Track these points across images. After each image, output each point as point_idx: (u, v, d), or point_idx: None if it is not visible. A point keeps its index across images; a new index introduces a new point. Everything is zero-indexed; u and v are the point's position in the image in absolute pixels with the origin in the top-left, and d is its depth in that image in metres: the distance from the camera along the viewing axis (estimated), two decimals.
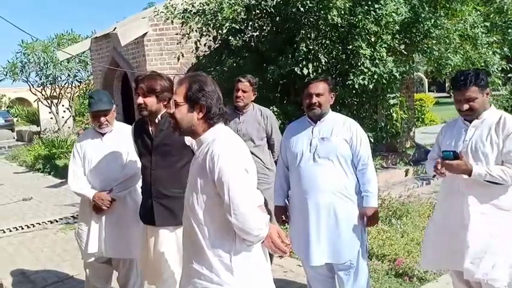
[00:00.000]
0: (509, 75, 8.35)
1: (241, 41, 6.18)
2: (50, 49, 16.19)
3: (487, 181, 2.72)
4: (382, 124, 6.53)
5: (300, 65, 5.71)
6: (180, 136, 2.48)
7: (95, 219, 3.44)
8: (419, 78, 28.81)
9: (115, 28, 9.37)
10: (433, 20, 6.17)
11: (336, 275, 3.25)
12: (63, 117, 17.91)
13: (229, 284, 2.09)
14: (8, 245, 5.79)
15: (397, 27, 5.99)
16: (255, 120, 4.22)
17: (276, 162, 3.98)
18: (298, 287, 4.06)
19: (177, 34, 7.47)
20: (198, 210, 2.11)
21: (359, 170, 3.08)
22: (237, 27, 6.22)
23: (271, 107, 5.49)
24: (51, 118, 18.22)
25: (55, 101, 17.65)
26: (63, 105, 17.88)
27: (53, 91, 17.78)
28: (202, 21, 6.37)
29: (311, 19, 5.83)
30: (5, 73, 17.06)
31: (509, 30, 7.57)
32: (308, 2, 5.58)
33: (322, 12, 5.62)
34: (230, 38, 6.25)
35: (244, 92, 4.13)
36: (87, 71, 16.91)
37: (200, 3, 6.47)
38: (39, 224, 6.62)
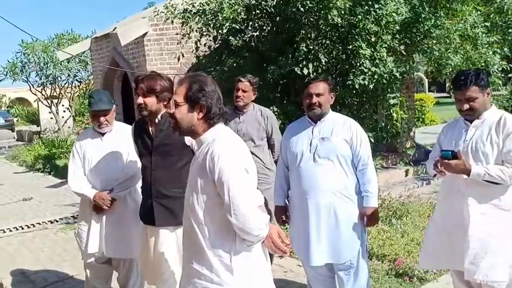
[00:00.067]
0: (509, 75, 8.34)
1: (241, 41, 6.18)
2: (50, 49, 16.19)
3: (486, 181, 2.72)
4: (382, 124, 6.52)
5: (300, 65, 5.71)
6: (180, 136, 2.48)
7: (95, 219, 3.44)
8: (419, 78, 28.81)
9: (115, 28, 9.37)
10: (433, 20, 6.17)
11: (336, 275, 3.25)
12: (63, 117, 17.91)
13: (229, 284, 2.09)
14: (8, 245, 5.79)
15: (397, 27, 5.99)
16: (255, 120, 4.22)
17: (276, 162, 3.98)
18: (298, 287, 4.06)
19: (177, 34, 7.47)
20: (198, 210, 2.11)
21: (359, 170, 3.08)
22: (237, 27, 6.21)
23: (271, 107, 5.49)
24: (51, 118, 18.22)
25: (55, 101, 17.65)
26: (63, 105, 17.88)
27: (53, 91, 17.78)
28: (202, 21, 6.37)
29: (311, 19, 5.83)
30: (5, 73, 17.07)
31: (510, 30, 7.57)
32: (308, 2, 5.58)
33: (322, 12, 5.62)
34: (230, 38, 6.25)
35: (244, 91, 4.13)
36: (87, 71, 16.91)
37: (200, 3, 6.47)
38: (39, 224, 6.62)
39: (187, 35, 6.84)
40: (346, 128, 3.10)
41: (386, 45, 5.87)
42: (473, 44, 6.80)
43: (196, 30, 6.67)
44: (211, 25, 6.31)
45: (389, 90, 6.19)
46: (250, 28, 6.29)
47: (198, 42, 6.75)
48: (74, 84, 17.75)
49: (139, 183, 3.22)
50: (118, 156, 3.45)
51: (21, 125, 27.42)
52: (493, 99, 2.98)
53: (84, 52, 13.07)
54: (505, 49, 7.42)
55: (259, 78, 4.62)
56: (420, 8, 6.17)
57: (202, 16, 6.33)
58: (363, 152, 3.07)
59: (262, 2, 6.05)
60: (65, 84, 17.69)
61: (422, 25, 6.17)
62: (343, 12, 5.57)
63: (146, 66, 8.81)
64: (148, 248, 2.99)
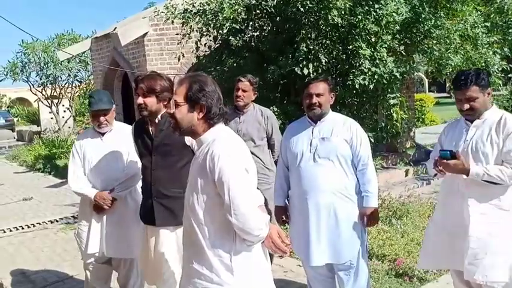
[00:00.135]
0: (509, 75, 8.34)
1: (241, 41, 6.19)
2: (50, 49, 16.20)
3: (486, 181, 2.72)
4: (383, 124, 6.53)
5: (300, 65, 5.71)
6: (180, 136, 2.48)
7: (95, 219, 3.44)
8: (419, 78, 28.81)
9: (115, 28, 9.37)
10: (433, 20, 6.17)
11: (336, 275, 3.25)
12: (63, 117, 17.91)
13: (229, 284, 2.09)
14: (8, 245, 5.79)
15: (398, 27, 5.99)
16: (256, 120, 4.22)
17: (276, 162, 3.98)
18: (299, 287, 4.06)
19: (177, 34, 7.47)
20: (198, 210, 2.11)
21: (359, 170, 3.08)
22: (238, 27, 6.22)
23: (271, 107, 5.49)
24: (52, 118, 18.22)
25: (55, 101, 17.66)
26: (63, 105, 17.88)
27: (53, 91, 17.79)
28: (202, 21, 6.37)
29: (311, 19, 5.83)
30: (5, 73, 17.07)
31: (510, 30, 7.58)
32: (308, 2, 5.58)
33: (322, 12, 5.62)
34: (230, 38, 6.25)
35: (244, 91, 4.13)
36: (88, 71, 16.92)
37: (200, 3, 6.47)
38: (40, 223, 6.63)
39: (187, 35, 6.84)
40: (346, 128, 3.10)
41: (386, 46, 5.87)
42: (473, 44, 6.80)
43: (196, 30, 6.67)
44: (212, 25, 6.31)
45: (389, 90, 6.19)
46: (250, 28, 6.30)
47: (198, 42, 6.75)
48: (74, 84, 17.76)
49: (140, 183, 3.22)
50: (118, 156, 3.45)
51: (22, 125, 27.43)
52: (493, 99, 2.97)
53: (84, 52, 13.07)
54: (505, 49, 7.43)
55: (259, 78, 4.63)
56: (420, 8, 6.17)
57: (203, 16, 6.34)
58: (363, 152, 3.07)
59: (263, 2, 6.05)
60: (65, 84, 17.71)
61: (422, 25, 6.18)
62: (343, 12, 5.57)
63: (146, 66, 8.81)
64: (148, 248, 2.99)
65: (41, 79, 17.15)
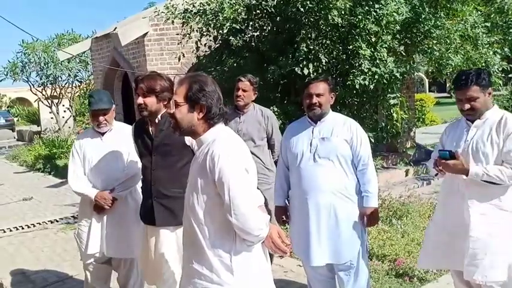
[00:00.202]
0: (509, 75, 8.35)
1: (241, 41, 6.19)
2: (50, 49, 16.21)
3: (485, 181, 2.72)
4: (383, 124, 6.53)
5: (301, 65, 5.71)
6: (180, 136, 2.48)
7: (96, 219, 3.44)
8: (419, 78, 28.81)
9: (115, 28, 9.37)
10: (433, 20, 6.17)
11: (336, 275, 3.25)
12: (63, 117, 17.92)
13: (229, 284, 2.09)
14: (8, 245, 5.79)
15: (398, 27, 5.99)
16: (256, 120, 4.22)
17: (276, 162, 3.98)
18: (299, 287, 4.06)
19: (177, 34, 7.47)
20: (198, 210, 2.11)
21: (359, 170, 3.08)
22: (238, 27, 6.22)
23: (271, 107, 5.49)
24: (52, 118, 18.23)
25: (55, 100, 17.66)
26: (63, 105, 17.88)
27: (53, 91, 17.80)
28: (202, 21, 6.37)
29: (311, 19, 5.83)
30: (5, 73, 17.08)
31: (510, 30, 7.57)
32: (308, 2, 5.58)
33: (322, 12, 5.62)
34: (231, 38, 6.26)
35: (244, 91, 4.12)
36: (88, 71, 16.92)
37: (201, 3, 6.47)
38: (40, 223, 6.62)
39: (187, 35, 6.84)
40: (346, 128, 3.09)
41: (386, 46, 5.87)
42: (473, 44, 6.80)
43: (196, 30, 6.67)
44: (212, 25, 6.31)
45: (389, 90, 6.19)
46: (250, 28, 6.30)
47: (199, 42, 6.75)
48: (74, 84, 17.77)
49: (140, 183, 3.21)
50: (118, 156, 3.45)
51: (22, 125, 27.44)
52: (493, 99, 2.98)
53: (84, 52, 13.08)
54: (506, 49, 7.42)
55: (259, 78, 4.62)
56: (420, 8, 6.17)
57: (203, 16, 6.34)
58: (363, 152, 3.07)
59: (263, 2, 6.05)
60: (66, 84, 17.72)
61: (422, 25, 6.17)
62: (343, 12, 5.57)
63: (146, 66, 8.81)
64: (148, 248, 2.99)
65: (41, 79, 17.16)
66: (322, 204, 3.02)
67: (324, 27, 5.82)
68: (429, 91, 30.75)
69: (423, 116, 17.29)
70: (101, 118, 3.41)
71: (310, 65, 5.69)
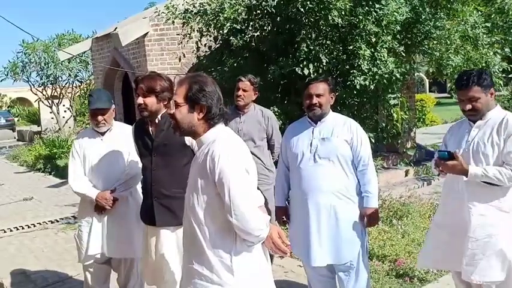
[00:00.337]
0: (510, 75, 8.34)
1: (242, 41, 6.18)
2: (50, 49, 16.21)
3: (485, 182, 2.71)
4: (383, 124, 6.53)
5: (301, 65, 5.71)
6: (181, 136, 2.48)
7: (96, 219, 3.43)
8: (420, 78, 28.82)
9: (116, 28, 9.37)
10: (433, 21, 6.17)
11: (336, 276, 3.24)
12: (63, 117, 17.93)
13: (229, 284, 2.09)
14: (8, 245, 5.79)
15: (398, 28, 5.99)
16: (256, 120, 4.22)
17: (275, 163, 3.98)
18: (299, 287, 4.06)
19: (178, 34, 7.47)
20: (199, 211, 2.11)
21: (359, 170, 3.08)
22: (238, 27, 6.21)
23: (271, 107, 5.49)
24: (52, 118, 18.23)
25: (56, 101, 17.66)
26: (64, 105, 17.88)
27: (53, 91, 17.80)
28: (203, 22, 6.37)
29: (312, 19, 5.83)
30: (6, 73, 17.09)
31: (511, 31, 7.57)
32: (308, 2, 5.58)
33: (322, 12, 5.62)
34: (231, 38, 6.25)
35: (244, 91, 4.13)
36: (88, 71, 16.93)
37: (201, 3, 6.47)
38: (40, 223, 6.63)
39: (188, 35, 6.84)
40: (346, 128, 3.09)
41: (386, 46, 5.87)
42: (473, 45, 6.80)
43: (197, 31, 6.67)
44: (212, 25, 6.31)
45: (390, 90, 6.19)
46: (250, 28, 6.30)
47: (199, 43, 6.75)
48: (74, 84, 17.78)
49: (140, 184, 3.21)
50: (119, 156, 3.45)
51: (22, 125, 27.43)
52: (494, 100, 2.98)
53: (85, 52, 13.07)
54: (506, 49, 7.42)
55: (259, 78, 4.62)
56: (420, 9, 6.17)
57: (203, 16, 6.33)
58: (363, 153, 3.07)
59: (263, 2, 6.05)
60: (66, 84, 17.72)
61: (422, 26, 6.18)
62: (343, 12, 5.57)
63: (147, 66, 8.81)
64: (148, 248, 2.99)
65: (41, 79, 17.16)
66: (323, 205, 3.02)
67: (324, 28, 5.82)
68: (429, 91, 30.76)
69: (423, 117, 17.29)
70: (100, 118, 3.40)
71: (311, 65, 5.69)
